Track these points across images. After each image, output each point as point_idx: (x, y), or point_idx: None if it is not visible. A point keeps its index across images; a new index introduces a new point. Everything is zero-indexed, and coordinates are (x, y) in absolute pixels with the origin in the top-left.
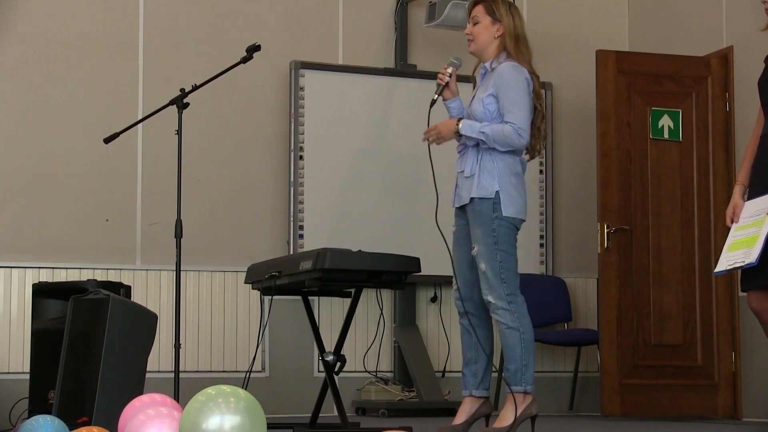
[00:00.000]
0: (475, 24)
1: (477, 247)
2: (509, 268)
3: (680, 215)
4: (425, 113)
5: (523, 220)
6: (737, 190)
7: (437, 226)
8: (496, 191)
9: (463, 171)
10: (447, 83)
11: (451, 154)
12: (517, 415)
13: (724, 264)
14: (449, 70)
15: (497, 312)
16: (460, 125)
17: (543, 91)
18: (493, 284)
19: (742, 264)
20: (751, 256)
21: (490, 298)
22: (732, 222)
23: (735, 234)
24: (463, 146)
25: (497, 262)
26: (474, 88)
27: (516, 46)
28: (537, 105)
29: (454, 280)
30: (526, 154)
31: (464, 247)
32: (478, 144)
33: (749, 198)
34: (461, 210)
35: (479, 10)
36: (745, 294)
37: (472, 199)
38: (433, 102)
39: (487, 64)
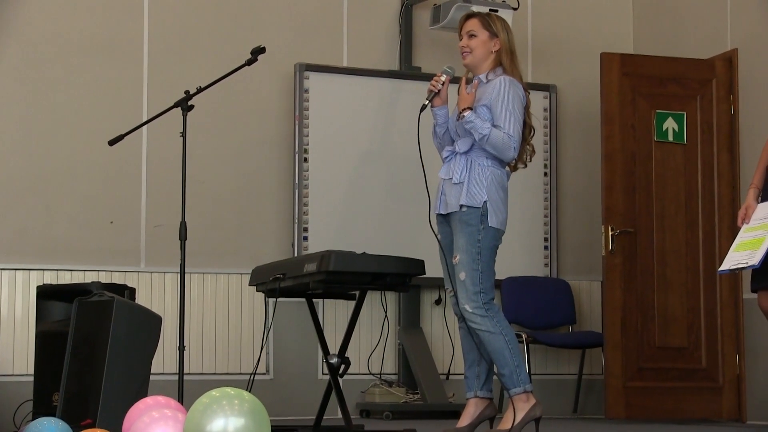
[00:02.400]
0: (471, 37)
1: (459, 256)
2: (488, 279)
3: (685, 218)
4: (429, 116)
5: (503, 232)
6: (752, 193)
7: (432, 229)
8: (485, 201)
9: (450, 178)
10: (439, 91)
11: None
12: (522, 416)
13: (728, 263)
14: (442, 78)
15: (475, 320)
16: (468, 113)
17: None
18: (471, 294)
19: (746, 265)
20: (755, 257)
21: (467, 307)
22: (743, 223)
23: (743, 235)
24: (451, 152)
25: (478, 273)
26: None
27: (511, 61)
28: (527, 119)
29: (450, 286)
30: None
31: (449, 256)
32: (467, 152)
33: (763, 201)
34: (444, 217)
35: (475, 24)
36: (750, 297)
37: (461, 206)
38: (424, 107)
39: (482, 76)
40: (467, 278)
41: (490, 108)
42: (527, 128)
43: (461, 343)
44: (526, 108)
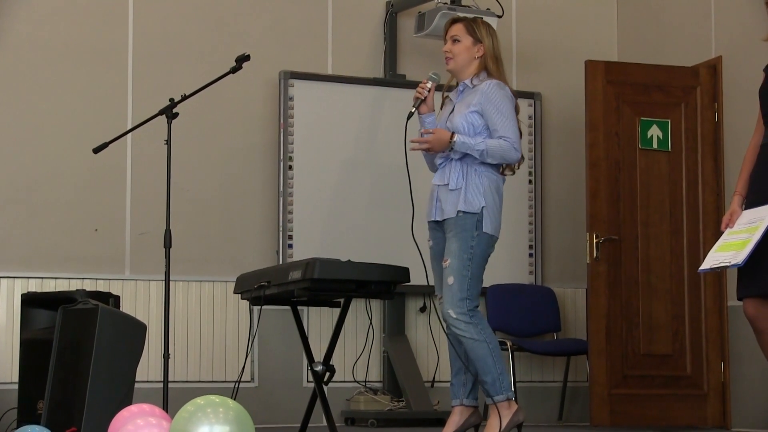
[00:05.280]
0: (454, 42)
1: (450, 261)
2: (475, 285)
3: (669, 225)
4: (414, 123)
5: (497, 239)
6: (736, 200)
7: (413, 239)
8: (482, 207)
9: (447, 184)
10: (425, 98)
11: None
12: (506, 423)
13: (710, 262)
14: (428, 85)
15: (458, 326)
16: (456, 140)
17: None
18: (456, 299)
19: (728, 264)
20: (739, 258)
21: (451, 312)
22: (726, 227)
23: (726, 237)
24: (445, 159)
25: (467, 279)
26: (443, 103)
27: (496, 67)
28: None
29: (440, 293)
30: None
31: (440, 262)
32: (462, 158)
33: (746, 207)
34: (438, 224)
35: (459, 29)
36: (734, 304)
37: (457, 212)
38: (410, 115)
39: (467, 81)
40: (455, 283)
41: (481, 113)
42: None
43: (449, 350)
44: (516, 110)
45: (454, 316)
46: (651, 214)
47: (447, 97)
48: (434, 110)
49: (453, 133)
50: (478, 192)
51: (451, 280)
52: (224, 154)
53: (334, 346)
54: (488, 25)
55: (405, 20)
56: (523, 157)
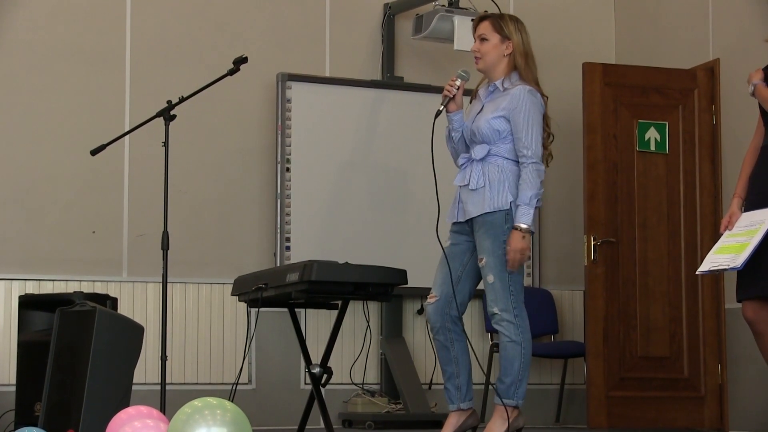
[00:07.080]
0: (482, 41)
1: (485, 259)
2: (517, 281)
3: (667, 227)
4: (412, 125)
5: (533, 232)
6: (735, 202)
7: (438, 238)
8: (510, 202)
9: (467, 184)
10: (453, 96)
11: (447, 167)
12: (506, 427)
13: (708, 265)
14: (457, 83)
15: (501, 324)
16: (521, 224)
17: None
18: (501, 296)
19: (726, 267)
20: (737, 261)
21: (495, 310)
22: (726, 230)
23: (725, 240)
24: (467, 160)
25: (506, 274)
26: (471, 101)
27: (526, 64)
28: (546, 127)
29: (436, 292)
30: None
31: (456, 262)
32: (483, 158)
33: (746, 209)
34: (461, 225)
35: (486, 27)
36: (732, 306)
37: (484, 213)
38: (438, 113)
39: (498, 83)
40: (496, 280)
41: (508, 119)
42: (545, 134)
43: (438, 356)
44: (545, 115)
45: (499, 314)
46: (648, 216)
47: (477, 93)
48: (462, 108)
49: (516, 226)
50: (503, 188)
51: (491, 278)
52: (222, 156)
53: (332, 348)
54: (516, 20)
55: (403, 22)
56: (547, 164)
